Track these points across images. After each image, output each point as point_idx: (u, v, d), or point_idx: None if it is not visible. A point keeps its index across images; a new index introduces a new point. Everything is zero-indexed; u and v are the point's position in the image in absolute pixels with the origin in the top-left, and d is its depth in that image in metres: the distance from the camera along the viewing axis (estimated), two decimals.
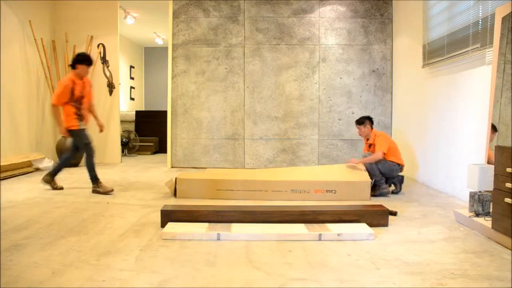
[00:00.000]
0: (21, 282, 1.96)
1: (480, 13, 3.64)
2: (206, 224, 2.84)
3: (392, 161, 4.21)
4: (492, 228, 2.65)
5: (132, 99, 10.18)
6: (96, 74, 6.64)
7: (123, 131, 8.37)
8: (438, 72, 4.56)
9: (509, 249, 2.46)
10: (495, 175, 2.63)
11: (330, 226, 2.81)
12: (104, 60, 6.61)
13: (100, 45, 6.58)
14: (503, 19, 3.20)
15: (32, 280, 1.98)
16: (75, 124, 4.19)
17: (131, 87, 10.15)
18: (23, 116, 5.93)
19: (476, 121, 3.73)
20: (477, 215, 2.96)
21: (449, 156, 4.28)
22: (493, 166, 2.70)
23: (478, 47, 3.65)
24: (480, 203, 2.96)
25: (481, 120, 3.58)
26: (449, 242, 2.63)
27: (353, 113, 6.23)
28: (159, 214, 3.02)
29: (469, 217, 2.96)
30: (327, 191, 3.89)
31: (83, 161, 6.45)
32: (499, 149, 2.61)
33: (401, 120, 5.89)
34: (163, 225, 2.89)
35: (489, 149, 3.28)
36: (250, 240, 2.63)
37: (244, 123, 6.30)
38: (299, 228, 2.78)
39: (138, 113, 9.32)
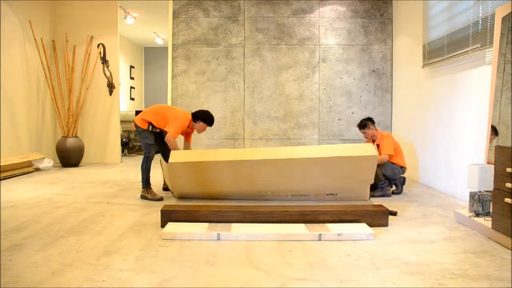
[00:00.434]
0: (21, 282, 1.96)
1: (480, 13, 3.64)
2: (206, 224, 2.84)
3: (396, 163, 4.21)
4: (492, 228, 2.65)
5: (132, 99, 10.19)
6: (96, 74, 6.65)
7: (123, 131, 8.37)
8: (438, 72, 4.56)
9: (509, 249, 2.46)
10: (495, 175, 2.63)
11: (330, 226, 2.81)
12: (104, 60, 6.61)
13: (100, 45, 6.58)
14: (503, 19, 3.20)
15: (32, 280, 1.98)
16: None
17: (131, 87, 10.15)
18: (23, 116, 5.93)
19: (476, 121, 3.72)
20: (477, 215, 2.96)
21: (449, 156, 4.28)
22: (493, 166, 2.70)
23: (478, 47, 3.65)
24: (480, 203, 2.96)
25: (481, 120, 3.58)
26: (449, 242, 2.63)
27: (353, 113, 6.23)
28: (159, 214, 3.02)
29: (469, 217, 2.96)
30: (327, 194, 3.89)
31: (83, 161, 6.50)
32: (499, 149, 2.61)
33: (401, 120, 5.89)
34: (163, 225, 2.89)
35: (488, 150, 3.29)
36: (250, 240, 2.63)
37: (244, 123, 6.30)
38: (299, 228, 2.77)
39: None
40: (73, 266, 2.16)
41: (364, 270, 2.15)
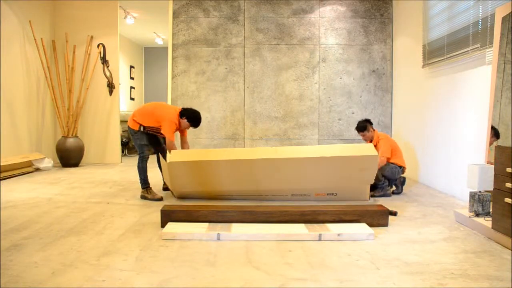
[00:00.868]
0: (21, 282, 1.96)
1: (480, 13, 3.64)
2: (206, 224, 2.84)
3: (395, 164, 4.21)
4: (492, 228, 2.65)
5: (132, 99, 10.18)
6: (96, 74, 6.64)
7: (123, 131, 8.37)
8: (438, 72, 4.56)
9: (509, 249, 2.46)
10: (495, 175, 2.63)
11: (330, 226, 2.81)
12: (104, 60, 6.61)
13: (100, 45, 6.58)
14: (503, 19, 3.20)
15: (32, 280, 1.98)
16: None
17: (131, 87, 10.15)
18: (23, 116, 5.93)
19: (476, 121, 3.72)
20: (477, 215, 2.96)
21: (449, 156, 4.28)
22: (493, 166, 2.70)
23: (478, 47, 3.65)
24: (480, 203, 2.96)
25: (481, 120, 3.58)
26: (449, 242, 2.63)
27: (353, 113, 6.23)
28: (159, 214, 3.02)
29: (469, 217, 2.96)
30: (328, 194, 3.89)
31: (83, 161, 6.50)
32: (499, 149, 2.61)
33: (401, 120, 5.89)
34: (163, 225, 2.89)
35: (489, 151, 3.29)
36: (250, 240, 2.63)
37: (244, 123, 6.30)
38: (299, 228, 2.77)
39: None
40: (73, 266, 2.16)
41: (364, 270, 2.15)
